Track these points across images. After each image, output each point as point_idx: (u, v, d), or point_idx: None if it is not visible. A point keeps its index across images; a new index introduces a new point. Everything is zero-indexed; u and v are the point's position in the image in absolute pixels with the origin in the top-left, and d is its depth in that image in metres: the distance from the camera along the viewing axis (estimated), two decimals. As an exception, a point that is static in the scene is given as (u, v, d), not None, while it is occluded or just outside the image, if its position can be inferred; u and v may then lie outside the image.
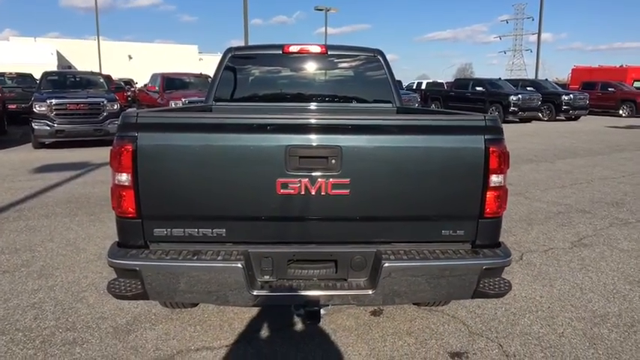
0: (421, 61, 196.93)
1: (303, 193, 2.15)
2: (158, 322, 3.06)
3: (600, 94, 23.95)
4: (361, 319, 3.12)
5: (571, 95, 20.57)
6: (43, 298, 3.39)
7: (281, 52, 4.12)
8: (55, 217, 5.38)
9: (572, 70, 31.41)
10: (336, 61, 4.26)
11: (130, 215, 2.20)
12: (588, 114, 21.62)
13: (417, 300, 2.51)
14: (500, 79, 22.64)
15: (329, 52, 4.15)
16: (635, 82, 26.06)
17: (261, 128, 2.14)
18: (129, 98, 21.79)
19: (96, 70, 19.17)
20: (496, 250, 2.30)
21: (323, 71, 4.29)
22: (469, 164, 2.20)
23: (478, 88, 20.41)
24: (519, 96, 19.12)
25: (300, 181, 2.14)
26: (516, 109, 18.88)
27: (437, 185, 2.22)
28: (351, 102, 4.22)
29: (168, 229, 2.22)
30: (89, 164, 8.73)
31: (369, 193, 2.18)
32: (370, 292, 2.18)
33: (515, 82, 22.47)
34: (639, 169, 8.79)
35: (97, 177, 7.63)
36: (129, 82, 29.49)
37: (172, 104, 11.86)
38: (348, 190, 2.16)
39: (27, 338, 2.87)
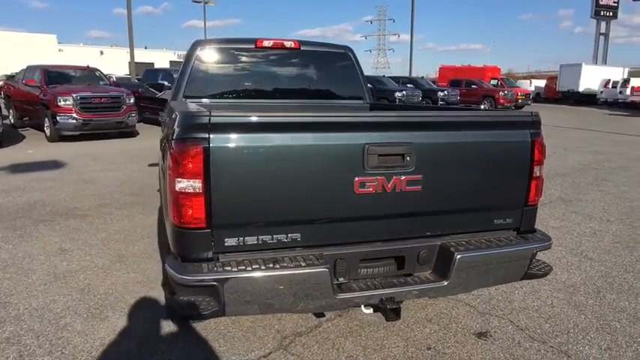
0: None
1: (379, 191, 2.14)
2: (175, 341, 2.79)
3: (465, 90, 26.71)
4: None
5: (446, 92, 22.68)
6: (15, 331, 2.86)
7: (254, 47, 3.98)
8: (-31, 235, 4.53)
9: (440, 68, 34.67)
10: (308, 57, 4.22)
11: (198, 225, 1.99)
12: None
13: (480, 286, 2.63)
14: (384, 76, 24.10)
15: (302, 48, 4.10)
16: (492, 80, 29.57)
17: (340, 126, 2.09)
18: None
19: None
20: (537, 235, 2.53)
21: (296, 67, 4.23)
22: (519, 156, 2.38)
23: (366, 85, 21.50)
24: (404, 92, 20.59)
25: (377, 180, 2.13)
26: (401, 104, 20.30)
27: (493, 177, 2.37)
28: (327, 98, 4.23)
29: (241, 238, 2.05)
30: (-27, 171, 7.44)
31: (438, 187, 2.25)
32: (445, 282, 2.25)
33: (396, 79, 24.10)
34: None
35: (-7, 186, 6.55)
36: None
37: (60, 101, 10.60)
38: (420, 187, 2.20)
39: (24, 380, 2.42)
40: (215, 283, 1.94)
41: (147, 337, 2.83)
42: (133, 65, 19.28)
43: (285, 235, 2.10)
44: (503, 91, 26.01)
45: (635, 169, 8.72)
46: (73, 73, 12.40)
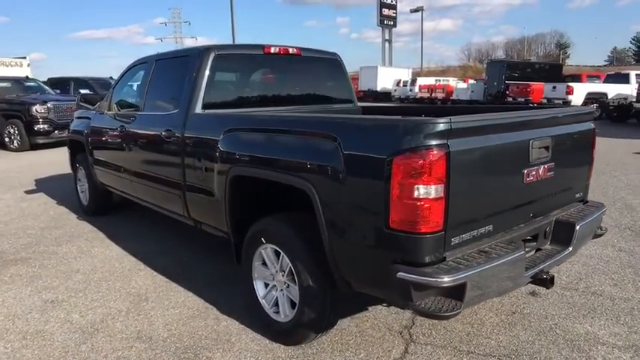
0: (77, 61, 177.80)
1: (535, 179, 2.50)
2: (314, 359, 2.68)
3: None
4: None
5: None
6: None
7: (262, 53, 3.88)
8: None
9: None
10: (308, 63, 4.27)
11: (436, 229, 2.06)
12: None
13: (579, 248, 3.11)
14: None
15: (302, 55, 4.14)
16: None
17: (529, 124, 2.44)
18: None
19: None
20: (594, 203, 3.19)
21: (298, 73, 4.23)
22: (589, 142, 3.02)
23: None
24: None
25: (535, 169, 2.49)
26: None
27: (579, 159, 2.95)
28: (327, 103, 4.35)
29: (462, 236, 2.18)
30: None
31: (560, 172, 2.70)
32: (570, 249, 2.73)
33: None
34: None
35: None
36: None
37: None
38: (553, 173, 2.63)
39: None
40: (465, 281, 2.04)
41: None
42: None
43: (484, 228, 2.30)
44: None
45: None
46: None
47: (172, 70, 3.98)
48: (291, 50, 4.04)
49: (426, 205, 2.02)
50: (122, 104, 4.66)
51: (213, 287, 3.63)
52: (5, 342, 2.90)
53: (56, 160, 9.91)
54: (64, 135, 11.40)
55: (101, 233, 5.01)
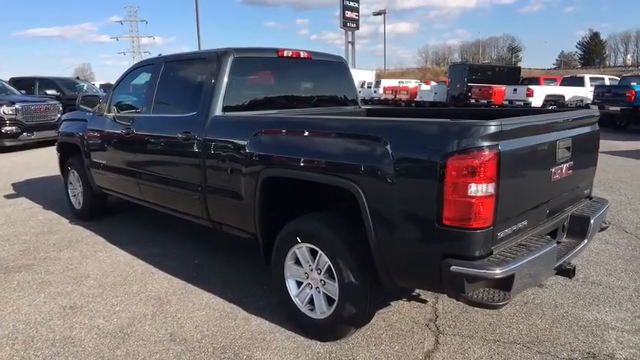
0: (26, 60, 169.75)
1: (559, 177, 2.70)
2: (352, 354, 2.76)
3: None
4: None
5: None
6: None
7: (276, 56, 3.95)
8: None
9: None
10: (318, 66, 4.36)
11: (486, 225, 2.20)
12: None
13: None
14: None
15: (312, 58, 4.23)
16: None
17: (555, 127, 2.63)
18: None
19: None
20: (598, 199, 3.43)
21: (310, 76, 4.32)
22: (595, 142, 3.25)
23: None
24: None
25: (560, 168, 2.68)
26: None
27: (591, 158, 3.18)
28: (337, 104, 4.46)
29: (504, 230, 2.33)
30: None
31: (577, 170, 2.91)
32: (585, 241, 2.94)
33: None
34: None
35: None
36: None
37: None
38: (572, 171, 2.84)
39: None
40: (514, 272, 2.19)
41: (323, 357, 2.73)
42: None
43: (521, 223, 2.46)
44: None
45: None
46: None
47: (186, 72, 3.98)
48: (302, 54, 4.12)
49: (478, 202, 2.16)
50: (125, 106, 4.59)
51: (233, 288, 3.65)
52: (35, 350, 2.84)
53: (28, 164, 9.55)
54: (32, 137, 11.03)
55: (100, 237, 4.91)
